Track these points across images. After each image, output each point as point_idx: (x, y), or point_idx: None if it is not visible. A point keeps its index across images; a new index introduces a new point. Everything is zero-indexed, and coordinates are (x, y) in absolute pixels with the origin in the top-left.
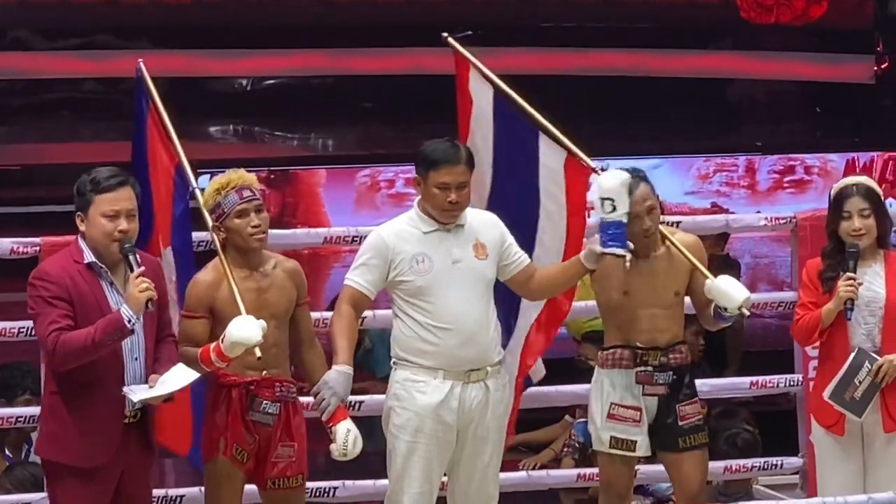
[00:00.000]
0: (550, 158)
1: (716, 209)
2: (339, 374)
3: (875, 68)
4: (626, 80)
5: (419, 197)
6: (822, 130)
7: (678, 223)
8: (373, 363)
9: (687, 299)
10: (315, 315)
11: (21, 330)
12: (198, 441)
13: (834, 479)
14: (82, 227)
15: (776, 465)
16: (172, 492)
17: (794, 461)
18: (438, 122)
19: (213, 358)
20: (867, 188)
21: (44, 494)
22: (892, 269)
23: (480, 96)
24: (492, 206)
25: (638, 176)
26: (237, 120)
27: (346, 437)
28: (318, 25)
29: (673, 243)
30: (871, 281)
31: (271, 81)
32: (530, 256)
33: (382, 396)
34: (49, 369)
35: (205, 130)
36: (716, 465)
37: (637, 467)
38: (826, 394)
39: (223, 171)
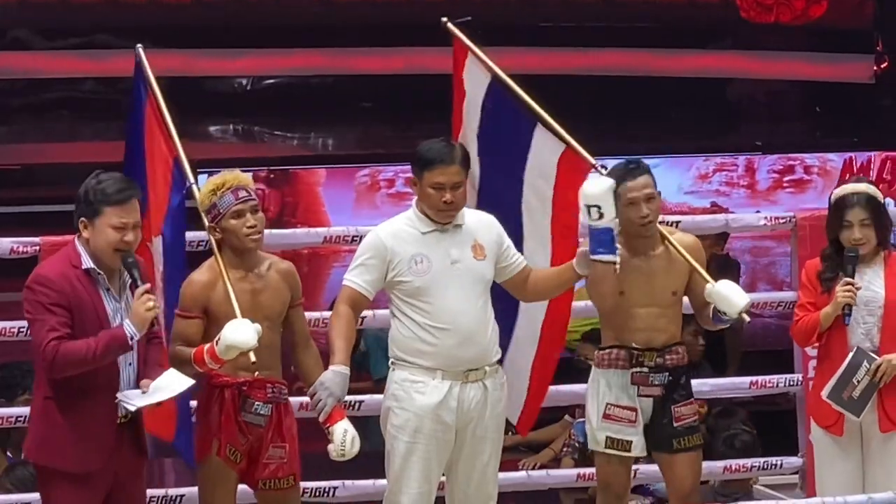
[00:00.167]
0: (544, 152)
1: (715, 209)
2: (335, 374)
3: (874, 68)
4: (625, 80)
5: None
6: (821, 130)
7: (677, 223)
8: (368, 366)
9: (685, 299)
10: (315, 315)
11: (21, 330)
12: (182, 426)
13: (833, 479)
14: (86, 234)
15: (776, 465)
16: (172, 491)
17: (794, 461)
18: (438, 122)
19: (207, 359)
20: (868, 197)
21: None
22: (891, 270)
23: (475, 83)
24: (481, 197)
25: (640, 166)
26: (237, 119)
27: (344, 438)
28: (317, 25)
29: (673, 245)
30: (870, 281)
31: (271, 81)
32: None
33: (381, 397)
34: (42, 374)
35: (204, 130)
36: (715, 465)
37: (636, 467)
38: (824, 393)
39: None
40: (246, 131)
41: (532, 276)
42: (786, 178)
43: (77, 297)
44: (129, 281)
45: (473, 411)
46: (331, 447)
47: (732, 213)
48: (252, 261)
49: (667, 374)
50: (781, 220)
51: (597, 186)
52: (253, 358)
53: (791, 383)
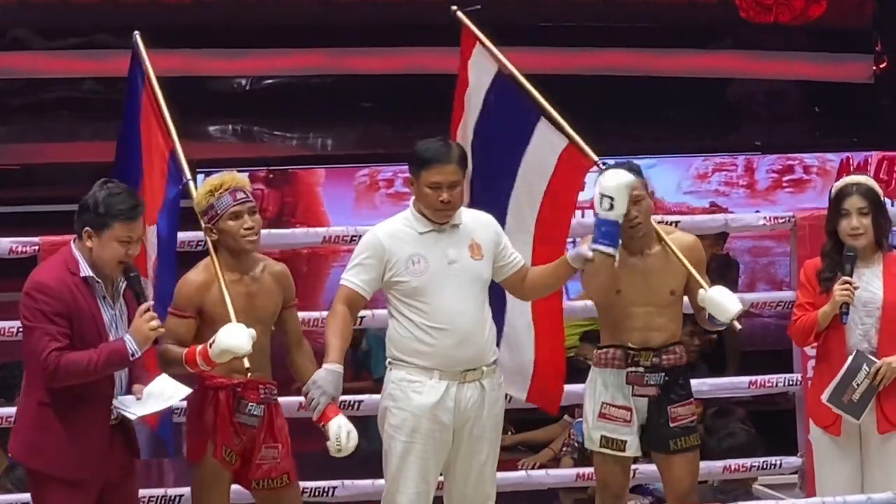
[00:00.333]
0: (543, 148)
1: (715, 209)
2: (328, 372)
3: (874, 68)
4: (626, 80)
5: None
6: (820, 130)
7: (677, 223)
8: (370, 365)
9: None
10: (315, 315)
11: (21, 329)
12: (166, 416)
13: (832, 479)
14: (89, 243)
15: (775, 465)
16: (171, 491)
17: (793, 461)
18: (437, 122)
19: (199, 361)
20: (867, 187)
21: None
22: (890, 271)
23: (481, 73)
24: (470, 190)
25: (631, 169)
26: (236, 119)
27: (339, 433)
28: (317, 25)
29: (670, 247)
30: (868, 282)
31: (271, 81)
32: None
33: (379, 396)
34: (36, 380)
35: (204, 130)
36: (714, 465)
37: (635, 467)
38: (824, 397)
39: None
40: (245, 131)
41: (528, 273)
42: (785, 178)
43: (76, 305)
44: (123, 288)
45: (471, 411)
46: (329, 444)
47: (732, 212)
48: (247, 263)
49: (663, 374)
50: (781, 220)
51: (616, 179)
52: (247, 364)
53: (790, 383)
